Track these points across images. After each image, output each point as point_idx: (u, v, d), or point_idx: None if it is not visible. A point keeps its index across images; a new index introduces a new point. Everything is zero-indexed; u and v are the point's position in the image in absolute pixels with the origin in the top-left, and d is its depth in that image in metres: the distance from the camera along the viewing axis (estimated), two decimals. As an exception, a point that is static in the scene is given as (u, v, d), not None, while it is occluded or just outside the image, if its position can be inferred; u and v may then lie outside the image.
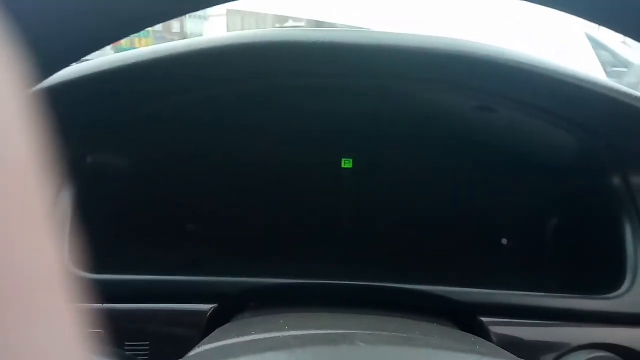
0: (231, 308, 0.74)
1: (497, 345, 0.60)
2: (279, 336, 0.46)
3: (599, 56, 5.07)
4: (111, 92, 0.73)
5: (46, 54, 0.31)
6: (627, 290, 0.72)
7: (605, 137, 0.76)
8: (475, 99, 0.76)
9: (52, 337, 0.15)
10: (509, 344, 0.70)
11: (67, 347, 0.15)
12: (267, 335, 0.47)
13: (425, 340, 0.38)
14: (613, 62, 5.23)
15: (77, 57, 0.35)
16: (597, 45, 5.46)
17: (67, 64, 0.34)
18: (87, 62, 0.72)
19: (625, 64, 5.31)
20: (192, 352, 0.48)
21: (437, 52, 0.67)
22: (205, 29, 6.21)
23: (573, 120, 0.75)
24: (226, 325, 0.61)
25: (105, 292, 0.71)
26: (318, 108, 0.93)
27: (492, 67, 0.67)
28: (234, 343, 0.45)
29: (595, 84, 0.68)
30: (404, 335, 0.43)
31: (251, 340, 0.45)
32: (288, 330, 0.49)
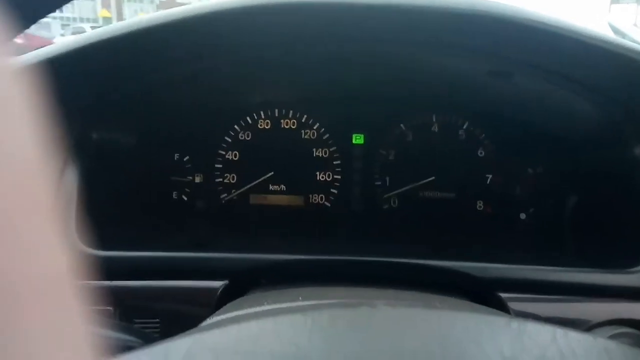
0: (242, 285, 0.72)
1: None
2: (293, 305, 0.44)
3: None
4: (115, 63, 0.71)
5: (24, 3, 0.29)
6: None
7: (626, 106, 0.73)
8: (492, 64, 0.73)
9: (61, 317, 0.15)
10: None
11: (75, 327, 0.15)
12: (280, 305, 0.45)
13: (449, 305, 0.36)
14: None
15: (55, 6, 0.33)
16: (611, 29, 5.39)
17: (46, 13, 0.33)
18: (85, 33, 0.71)
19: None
20: (204, 323, 0.47)
21: (455, 13, 0.64)
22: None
23: (593, 87, 0.72)
24: (238, 299, 0.59)
25: (114, 270, 0.69)
26: (326, 81, 0.90)
27: (512, 28, 0.64)
28: (247, 313, 0.44)
29: (620, 47, 0.64)
30: (425, 302, 0.41)
31: (264, 310, 0.43)
32: (302, 300, 0.47)
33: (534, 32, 0.64)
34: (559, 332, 0.30)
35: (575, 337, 0.30)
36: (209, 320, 0.48)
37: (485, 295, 0.72)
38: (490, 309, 0.52)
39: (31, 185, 0.14)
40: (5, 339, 0.13)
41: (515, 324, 0.30)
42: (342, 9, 0.65)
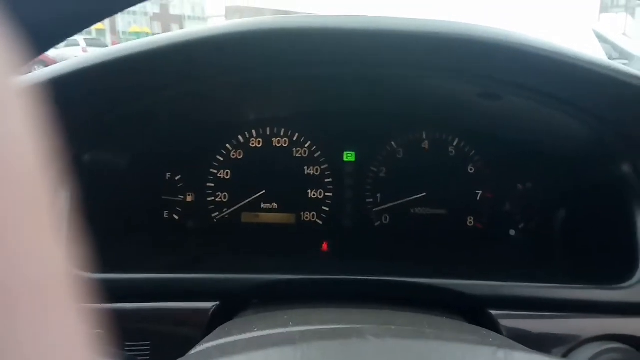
0: (234, 306, 0.72)
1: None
2: (283, 332, 0.44)
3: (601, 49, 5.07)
4: (108, 87, 0.71)
5: (36, 31, 0.30)
6: None
7: (614, 124, 0.74)
8: (482, 86, 0.74)
9: (56, 336, 0.14)
10: (519, 337, 0.68)
11: (71, 346, 0.15)
12: (270, 332, 0.45)
13: (436, 333, 0.37)
14: (614, 54, 5.22)
15: (67, 35, 0.34)
16: (599, 38, 5.47)
17: (57, 42, 0.33)
18: (80, 56, 0.71)
19: (627, 56, 5.30)
20: (193, 351, 0.47)
21: (443, 38, 0.65)
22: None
23: (582, 107, 0.73)
24: (228, 323, 0.59)
25: (104, 292, 0.69)
26: (317, 100, 0.91)
27: (500, 52, 0.65)
28: (236, 340, 0.43)
29: (604, 66, 0.65)
30: (414, 328, 0.42)
31: (254, 337, 0.43)
32: (292, 326, 0.47)
33: (523, 56, 0.65)
34: (544, 361, 0.30)
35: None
36: (198, 348, 0.48)
37: (477, 312, 0.72)
38: (480, 331, 0.52)
39: (30, 200, 0.14)
40: None
41: (502, 354, 0.31)
42: (335, 34, 0.66)
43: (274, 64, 0.73)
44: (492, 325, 0.69)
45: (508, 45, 0.64)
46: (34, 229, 0.14)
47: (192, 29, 0.68)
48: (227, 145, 0.96)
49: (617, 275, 0.72)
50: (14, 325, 0.13)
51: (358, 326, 0.41)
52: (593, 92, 0.70)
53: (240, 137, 0.96)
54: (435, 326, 0.46)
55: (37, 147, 0.15)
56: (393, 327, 0.40)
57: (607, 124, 0.74)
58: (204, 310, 0.70)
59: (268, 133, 0.97)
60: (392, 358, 0.30)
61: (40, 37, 0.33)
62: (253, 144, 0.97)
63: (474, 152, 0.95)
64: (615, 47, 5.40)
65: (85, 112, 0.74)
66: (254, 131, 0.96)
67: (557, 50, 0.65)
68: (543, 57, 0.65)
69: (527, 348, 0.44)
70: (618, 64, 0.68)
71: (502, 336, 0.60)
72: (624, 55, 5.11)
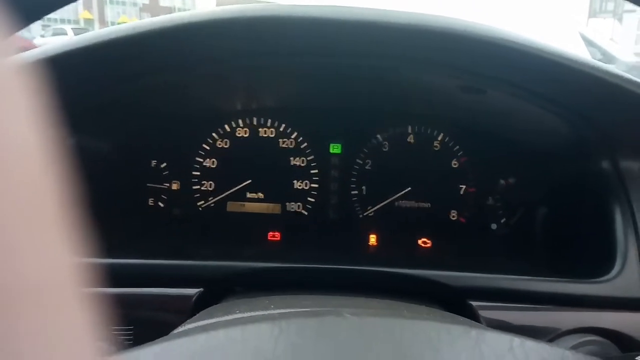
0: (217, 292, 0.72)
1: None
2: (264, 313, 0.44)
3: (587, 53, 5.15)
4: (95, 70, 0.71)
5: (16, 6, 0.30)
6: (617, 274, 0.72)
7: (596, 123, 0.75)
8: (466, 80, 0.75)
9: (60, 324, 0.15)
10: (498, 328, 0.69)
11: (74, 333, 0.15)
12: (251, 313, 0.46)
13: (414, 315, 0.37)
14: (601, 58, 5.32)
15: (52, 8, 0.34)
16: (586, 42, 5.56)
17: (43, 14, 0.33)
18: (65, 39, 0.70)
19: (612, 59, 5.40)
20: (175, 331, 0.47)
21: (428, 30, 0.65)
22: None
23: (564, 105, 0.74)
24: (211, 307, 0.59)
25: (88, 277, 0.69)
26: (304, 92, 0.91)
27: (483, 46, 0.66)
28: (218, 321, 0.44)
29: (586, 65, 0.66)
30: (393, 310, 0.42)
31: (235, 318, 0.44)
32: (274, 309, 0.48)
33: (506, 51, 0.66)
34: (516, 340, 0.31)
35: (531, 346, 0.32)
36: (180, 329, 0.48)
37: (457, 303, 0.73)
38: (455, 317, 0.53)
39: (28, 184, 0.14)
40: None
41: (474, 332, 0.31)
42: (321, 24, 0.66)
43: (262, 52, 0.73)
44: (472, 316, 0.71)
45: (491, 40, 0.65)
46: (33, 215, 0.14)
47: (179, 14, 0.68)
48: (214, 134, 0.96)
49: (595, 270, 0.74)
50: (17, 315, 0.13)
51: (337, 308, 0.41)
52: (576, 91, 0.71)
53: (226, 126, 0.96)
54: (414, 311, 0.47)
55: (32, 130, 0.15)
56: (371, 310, 0.41)
57: (589, 122, 0.76)
58: (188, 297, 0.70)
59: (255, 123, 0.97)
60: (368, 333, 0.30)
61: (20, 12, 0.33)
62: (239, 133, 0.97)
63: (458, 147, 0.96)
64: (602, 51, 5.49)
65: (68, 97, 0.73)
66: (240, 121, 0.97)
67: (541, 47, 0.66)
68: (527, 54, 0.66)
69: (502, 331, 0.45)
70: (602, 64, 0.69)
71: (478, 323, 0.61)
72: (608, 58, 5.20)
